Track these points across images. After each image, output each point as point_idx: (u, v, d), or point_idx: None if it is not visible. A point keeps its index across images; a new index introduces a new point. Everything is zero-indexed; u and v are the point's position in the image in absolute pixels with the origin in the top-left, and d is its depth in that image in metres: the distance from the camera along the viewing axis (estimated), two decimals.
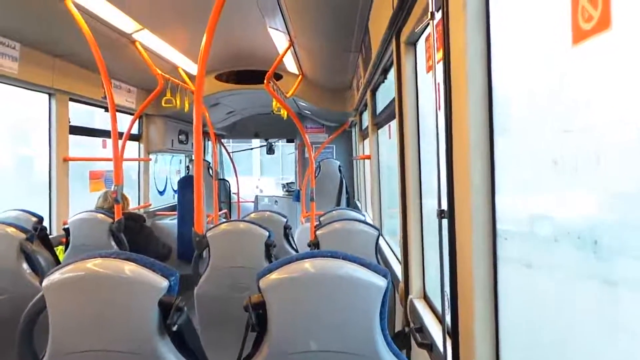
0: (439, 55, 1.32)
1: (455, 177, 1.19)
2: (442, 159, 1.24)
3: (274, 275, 1.09)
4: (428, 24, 1.33)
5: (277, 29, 3.40)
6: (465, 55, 1.08)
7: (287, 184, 9.15)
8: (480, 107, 1.08)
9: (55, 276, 1.10)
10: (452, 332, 1.23)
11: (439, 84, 1.30)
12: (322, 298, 1.08)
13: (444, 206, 1.24)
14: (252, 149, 11.65)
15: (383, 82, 3.03)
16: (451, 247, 1.21)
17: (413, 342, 1.76)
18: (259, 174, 15.04)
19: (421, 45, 1.87)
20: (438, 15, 1.28)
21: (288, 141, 9.06)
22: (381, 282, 1.09)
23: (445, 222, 1.24)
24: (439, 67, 1.28)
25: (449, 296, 1.23)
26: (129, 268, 1.09)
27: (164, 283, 1.08)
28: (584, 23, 0.70)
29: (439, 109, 1.29)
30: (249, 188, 9.05)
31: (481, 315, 1.10)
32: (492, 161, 1.09)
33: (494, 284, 1.10)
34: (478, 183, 1.09)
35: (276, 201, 7.73)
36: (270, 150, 8.72)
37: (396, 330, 2.16)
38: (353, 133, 7.07)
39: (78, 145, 4.07)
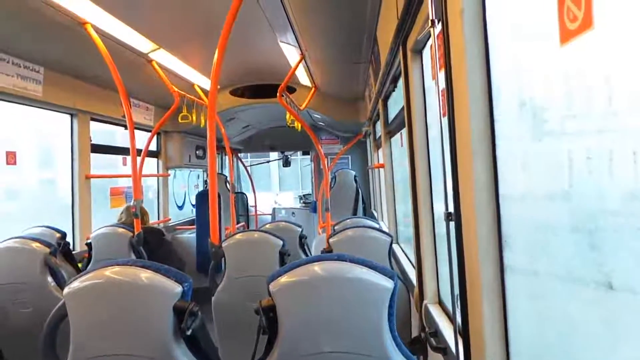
0: (441, 62, 1.35)
1: (460, 180, 1.20)
2: (447, 163, 1.26)
3: (283, 279, 1.12)
4: (430, 32, 1.36)
5: (288, 43, 3.47)
6: (464, 61, 1.11)
7: (304, 195, 9.20)
8: (481, 111, 1.11)
9: (76, 284, 1.15)
10: (463, 334, 1.23)
11: (442, 90, 1.33)
12: (330, 300, 1.10)
13: (451, 209, 1.26)
14: (268, 161, 11.78)
15: (393, 90, 3.06)
16: (459, 250, 1.22)
17: (429, 347, 1.76)
18: (277, 190, 15.09)
19: (427, 53, 1.90)
20: (439, 24, 1.31)
21: (304, 153, 9.13)
22: (388, 283, 1.11)
23: (452, 225, 1.26)
24: (442, 74, 1.31)
25: (458, 299, 1.24)
26: (145, 275, 1.13)
27: (178, 289, 1.12)
28: (570, 23, 0.73)
29: (444, 115, 1.31)
30: (267, 204, 9.12)
31: (490, 316, 1.11)
32: (495, 165, 1.10)
33: (502, 285, 1.11)
34: (481, 186, 1.10)
35: (293, 213, 7.78)
36: (287, 163, 8.80)
37: (413, 337, 2.15)
38: (367, 143, 7.10)
39: (102, 167, 4.23)
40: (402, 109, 2.54)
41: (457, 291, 1.25)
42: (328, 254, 1.70)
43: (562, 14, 0.74)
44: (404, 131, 2.65)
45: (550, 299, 0.97)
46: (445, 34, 1.21)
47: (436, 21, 1.32)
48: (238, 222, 6.47)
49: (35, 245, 2.20)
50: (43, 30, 2.77)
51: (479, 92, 1.10)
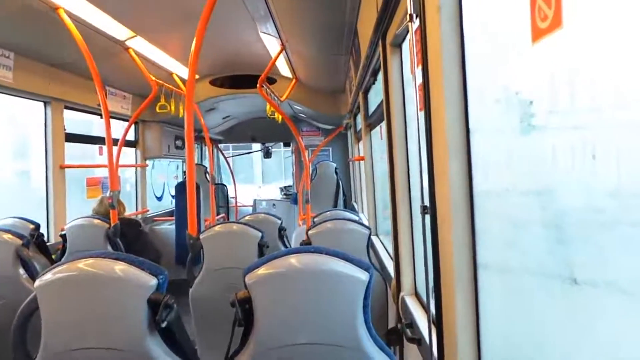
0: (419, 57, 1.36)
1: (435, 174, 1.22)
2: (424, 157, 1.28)
3: (259, 271, 1.13)
4: (408, 26, 1.37)
5: (268, 34, 3.44)
6: (440, 56, 1.12)
7: (285, 187, 9.18)
8: (457, 107, 1.12)
9: (48, 276, 1.13)
10: (437, 325, 1.26)
11: (419, 85, 1.34)
12: (305, 292, 1.11)
13: (427, 202, 1.28)
14: (249, 152, 11.70)
15: (374, 83, 3.07)
16: (434, 242, 1.25)
17: (405, 338, 1.79)
18: (260, 182, 15.01)
19: (406, 47, 1.91)
20: (417, 19, 1.32)
21: (285, 145, 9.10)
22: (363, 276, 1.12)
23: (428, 218, 1.28)
24: (419, 69, 1.32)
25: (433, 291, 1.27)
26: (119, 267, 1.12)
27: (153, 281, 1.12)
28: (541, 22, 0.74)
29: (421, 109, 1.33)
30: (249, 197, 9.07)
31: (462, 307, 1.14)
32: (470, 160, 1.12)
33: (474, 277, 1.14)
34: (456, 181, 1.12)
35: (274, 204, 7.76)
36: (267, 154, 8.76)
37: (389, 327, 2.19)
38: (348, 135, 7.12)
39: (78, 157, 4.13)
40: (382, 102, 2.55)
41: (431, 283, 1.28)
42: (305, 246, 1.71)
43: (533, 13, 0.76)
44: (384, 124, 2.66)
45: (520, 293, 0.99)
46: (422, 29, 1.22)
47: (414, 16, 1.33)
48: (218, 214, 6.43)
49: (7, 236, 2.15)
50: (13, 14, 2.68)
51: (455, 88, 1.12)
